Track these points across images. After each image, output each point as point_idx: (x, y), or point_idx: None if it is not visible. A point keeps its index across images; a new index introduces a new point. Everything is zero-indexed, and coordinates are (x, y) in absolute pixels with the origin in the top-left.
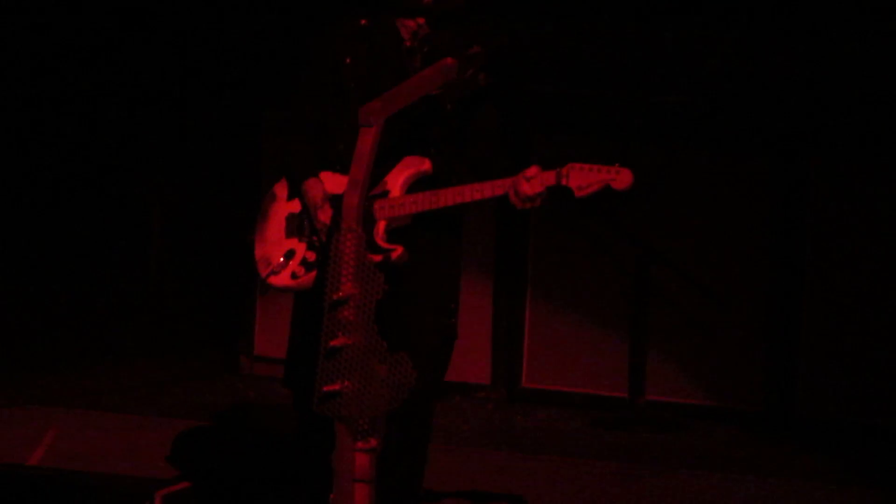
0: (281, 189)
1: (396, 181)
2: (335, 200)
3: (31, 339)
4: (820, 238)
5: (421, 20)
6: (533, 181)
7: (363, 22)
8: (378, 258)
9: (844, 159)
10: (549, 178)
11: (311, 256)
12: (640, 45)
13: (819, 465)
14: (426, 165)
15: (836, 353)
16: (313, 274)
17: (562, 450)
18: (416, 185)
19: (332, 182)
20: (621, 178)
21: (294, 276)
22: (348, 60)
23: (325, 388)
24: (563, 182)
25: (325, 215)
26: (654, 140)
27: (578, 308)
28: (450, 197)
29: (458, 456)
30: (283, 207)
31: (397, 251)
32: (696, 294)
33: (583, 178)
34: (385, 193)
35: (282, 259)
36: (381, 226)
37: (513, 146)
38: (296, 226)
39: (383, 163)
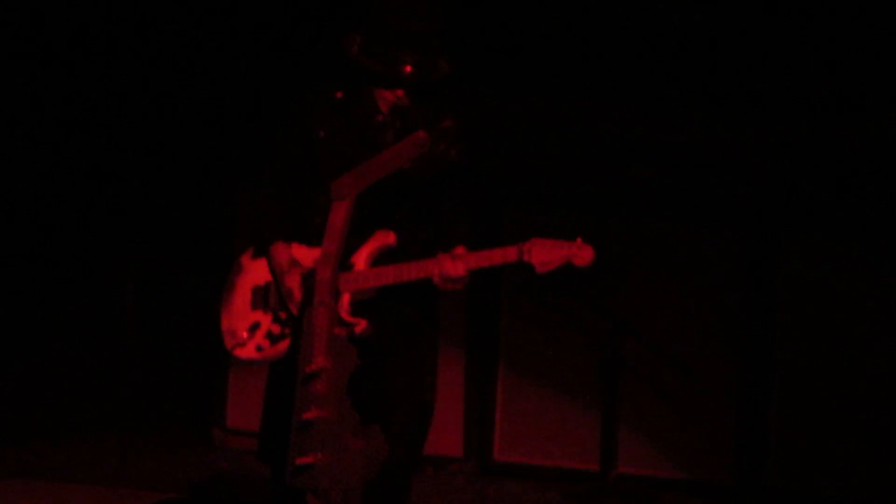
0: (247, 259)
1: (361, 254)
2: (308, 274)
3: (2, 409)
4: (790, 312)
5: (400, 92)
6: (457, 262)
7: (339, 94)
8: (342, 331)
9: (813, 237)
10: (511, 253)
11: (276, 329)
12: (613, 119)
13: None
14: (391, 239)
15: (807, 425)
16: (279, 346)
17: None
18: (382, 258)
19: (305, 255)
20: (583, 255)
21: (259, 348)
22: (322, 133)
23: (298, 461)
24: (526, 258)
25: (291, 280)
26: (626, 214)
27: (550, 381)
28: (413, 271)
29: None
30: (249, 279)
31: (361, 325)
32: (667, 367)
33: (544, 254)
34: (350, 266)
35: (247, 332)
36: (345, 299)
37: (483, 220)
38: (261, 297)
39: (351, 237)
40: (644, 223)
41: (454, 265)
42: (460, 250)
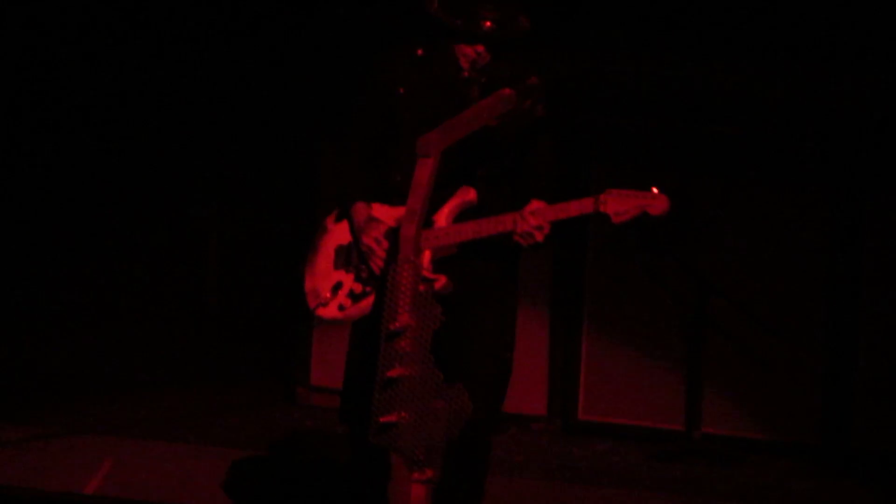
0: (331, 221)
1: (442, 211)
2: (392, 231)
3: (88, 366)
4: (877, 272)
5: (480, 48)
6: (533, 216)
7: (419, 52)
8: (422, 288)
9: None
10: (587, 205)
11: (358, 288)
12: (698, 77)
13: (876, 499)
14: (471, 195)
15: (892, 386)
16: (360, 305)
17: (618, 482)
18: (462, 215)
19: (386, 213)
20: (657, 204)
21: (341, 307)
22: (402, 91)
23: (382, 420)
24: (601, 208)
25: (368, 237)
26: (711, 172)
27: (635, 340)
28: (491, 226)
29: (514, 487)
30: (333, 239)
31: (440, 281)
32: (752, 327)
33: (619, 204)
34: (431, 223)
35: (329, 291)
36: (426, 255)
37: (569, 177)
38: (343, 257)
39: (435, 193)
40: (730, 181)
41: (529, 218)
42: (535, 205)
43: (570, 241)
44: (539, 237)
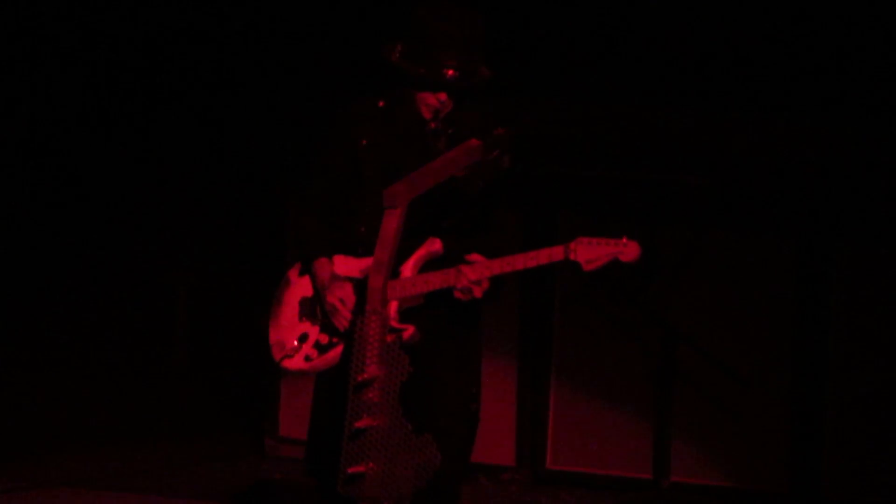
0: (294, 274)
1: (408, 262)
2: (357, 284)
3: (55, 418)
4: (845, 321)
5: (443, 96)
6: (475, 268)
7: (381, 103)
8: (391, 338)
9: (868, 245)
10: (557, 253)
11: (324, 339)
12: (665, 127)
13: None
14: (437, 246)
15: (860, 435)
16: (327, 356)
17: None
18: (428, 265)
19: (349, 265)
20: (628, 251)
21: (308, 358)
22: (364, 142)
23: (350, 470)
24: (572, 256)
25: (332, 296)
26: (678, 221)
27: (603, 389)
28: (451, 277)
29: None
30: (297, 292)
31: (409, 330)
32: (720, 375)
33: (590, 252)
34: (397, 274)
35: (295, 343)
36: (392, 306)
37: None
38: (308, 309)
39: (402, 244)
40: (697, 230)
41: (468, 272)
42: (475, 257)
43: (537, 291)
44: (477, 293)
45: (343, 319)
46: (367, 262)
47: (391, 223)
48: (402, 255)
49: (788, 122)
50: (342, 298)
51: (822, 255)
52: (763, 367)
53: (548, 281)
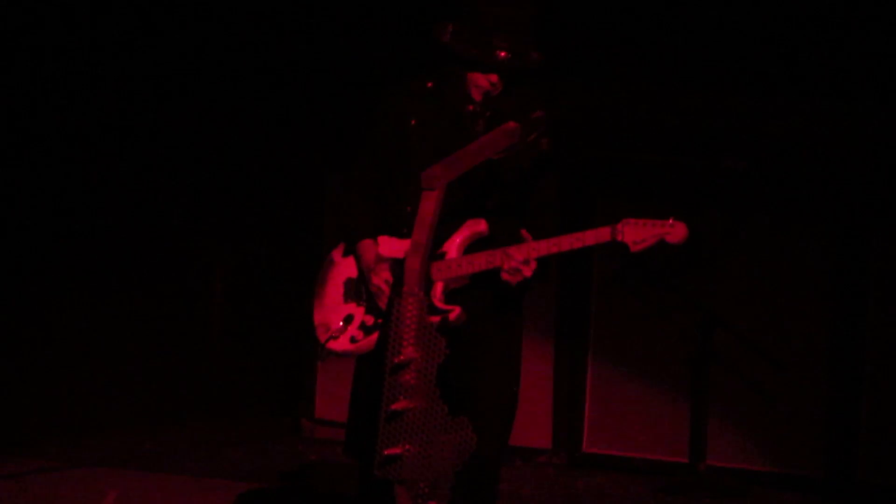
0: (338, 255)
1: (453, 242)
2: (396, 264)
3: (93, 399)
4: (882, 305)
5: (494, 77)
6: (521, 247)
7: (429, 84)
8: (436, 319)
9: None
10: (604, 234)
11: (370, 320)
12: (705, 110)
13: None
14: (482, 227)
15: None
16: (372, 337)
17: None
18: (473, 246)
19: (393, 246)
20: (675, 232)
21: (353, 340)
22: (413, 122)
23: (386, 452)
24: (619, 238)
25: (377, 278)
26: (718, 205)
27: (640, 373)
28: (499, 257)
29: None
30: (341, 272)
31: (455, 312)
32: (757, 359)
33: (637, 233)
34: (442, 255)
35: (341, 324)
36: (438, 287)
37: (575, 211)
38: (353, 290)
39: (442, 226)
40: (736, 214)
41: (515, 254)
42: (524, 234)
43: (575, 274)
44: (527, 272)
45: (388, 301)
46: (409, 243)
47: (429, 205)
48: (446, 236)
49: (829, 107)
50: (388, 280)
51: (860, 241)
52: (800, 352)
53: (585, 264)
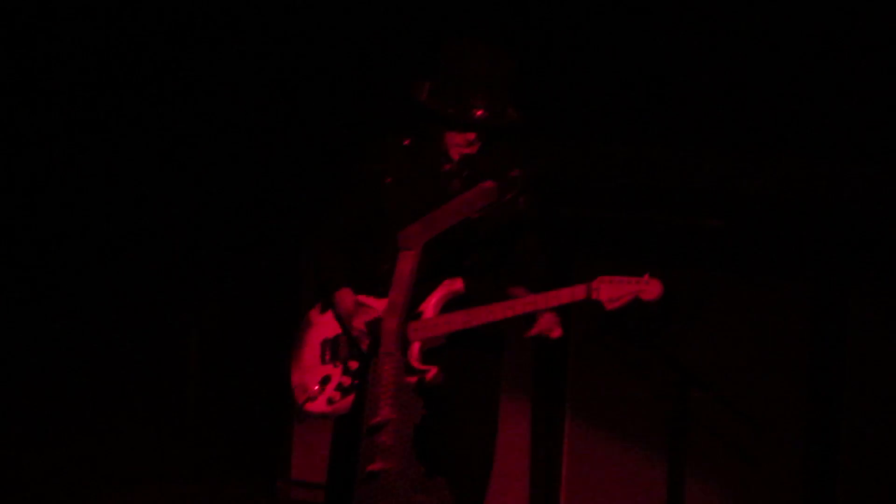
0: (316, 314)
1: (430, 302)
2: (373, 324)
3: (69, 462)
4: (859, 365)
5: (471, 136)
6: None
7: (406, 142)
8: (413, 380)
9: (883, 288)
10: (580, 292)
11: (347, 381)
12: (681, 169)
13: None
14: (458, 286)
15: (876, 480)
16: (350, 399)
17: None
18: (450, 305)
19: (373, 305)
20: (650, 289)
21: (330, 401)
22: (389, 180)
23: None
24: (594, 296)
25: (359, 322)
26: (694, 264)
27: (617, 433)
28: (482, 315)
29: None
30: (318, 332)
31: (432, 372)
32: (735, 420)
33: (612, 291)
34: (419, 315)
35: (318, 385)
36: (415, 347)
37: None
38: (331, 350)
39: (420, 285)
40: (713, 274)
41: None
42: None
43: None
44: (557, 333)
45: (365, 360)
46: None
47: (406, 265)
48: (423, 295)
49: (804, 165)
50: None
51: (837, 299)
52: (778, 412)
53: (562, 322)
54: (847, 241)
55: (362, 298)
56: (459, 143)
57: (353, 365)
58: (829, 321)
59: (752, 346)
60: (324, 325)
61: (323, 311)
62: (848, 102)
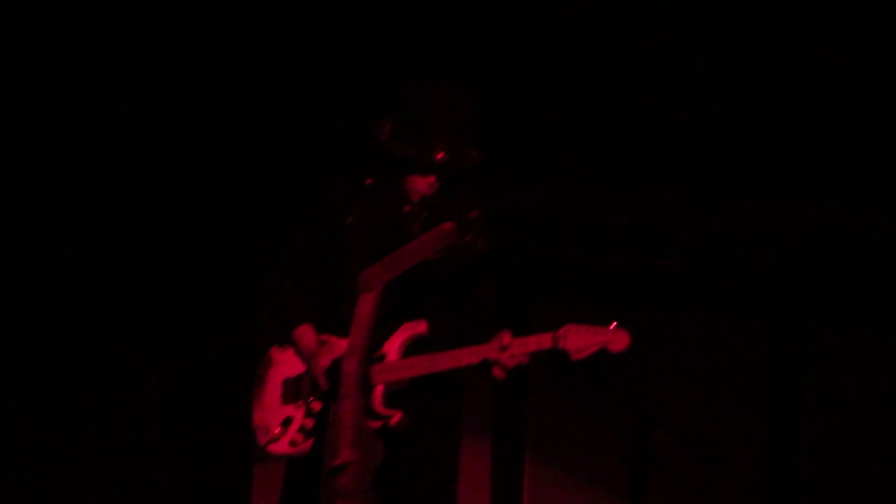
0: (277, 352)
1: (393, 345)
2: (333, 365)
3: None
4: (818, 402)
5: (432, 178)
6: (512, 347)
7: (368, 181)
8: (377, 424)
9: (841, 326)
10: (546, 340)
11: (309, 423)
12: (641, 210)
13: None
14: (422, 328)
15: None
16: (313, 441)
17: None
18: (413, 348)
19: (334, 345)
20: (618, 340)
21: (293, 443)
22: (350, 219)
23: None
24: (561, 345)
25: (324, 359)
26: (653, 305)
27: (577, 472)
28: (446, 361)
29: None
30: (280, 372)
31: (396, 417)
32: (695, 459)
33: (579, 341)
34: (381, 357)
35: (279, 427)
36: (378, 390)
37: (510, 312)
38: (292, 390)
39: (381, 327)
40: (672, 314)
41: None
42: (506, 338)
43: (512, 374)
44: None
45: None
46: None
47: (366, 307)
48: (384, 336)
49: (762, 206)
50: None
51: (795, 337)
52: (738, 449)
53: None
54: (805, 279)
55: (325, 337)
56: (420, 188)
57: (316, 406)
58: (788, 360)
59: (713, 384)
60: (285, 364)
61: (283, 346)
62: (804, 146)
